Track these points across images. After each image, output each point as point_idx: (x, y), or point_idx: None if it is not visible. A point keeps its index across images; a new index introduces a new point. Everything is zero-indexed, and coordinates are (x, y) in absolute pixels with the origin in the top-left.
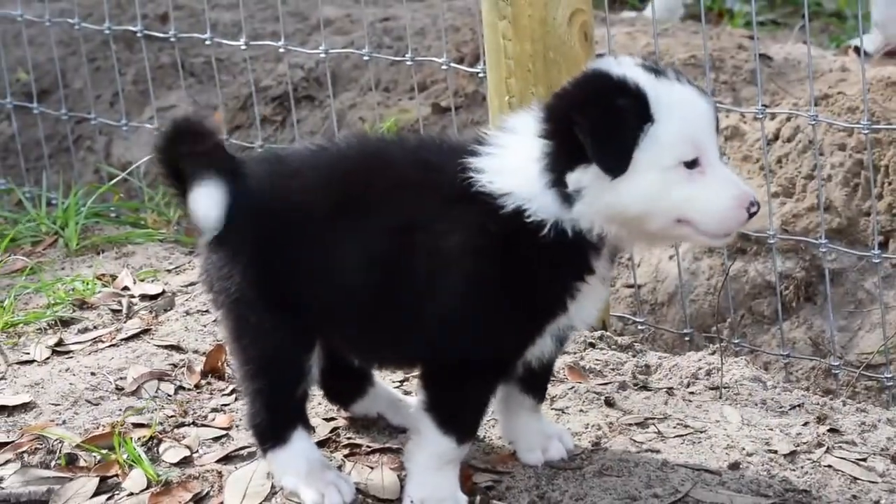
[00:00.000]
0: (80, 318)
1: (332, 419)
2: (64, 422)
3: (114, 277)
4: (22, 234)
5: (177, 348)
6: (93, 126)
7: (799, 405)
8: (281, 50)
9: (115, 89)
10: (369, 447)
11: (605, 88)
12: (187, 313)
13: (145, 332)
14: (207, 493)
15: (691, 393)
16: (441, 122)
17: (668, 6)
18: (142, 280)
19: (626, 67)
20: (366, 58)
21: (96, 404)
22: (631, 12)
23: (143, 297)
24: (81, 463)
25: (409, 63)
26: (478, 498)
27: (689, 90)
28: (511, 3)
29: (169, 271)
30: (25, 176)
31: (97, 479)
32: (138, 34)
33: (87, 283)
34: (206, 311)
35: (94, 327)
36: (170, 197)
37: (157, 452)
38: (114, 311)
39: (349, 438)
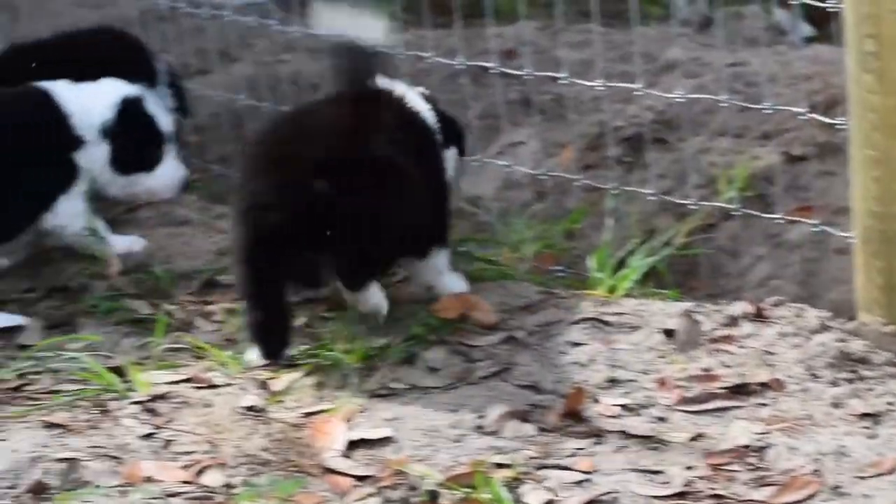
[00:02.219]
0: (433, 355)
1: None
2: (424, 458)
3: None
4: None
5: (536, 388)
6: None
7: None
8: (637, 93)
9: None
10: None
11: None
12: (546, 354)
13: (504, 370)
14: None
15: None
16: (792, 170)
17: None
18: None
19: None
20: (723, 104)
21: (457, 442)
22: None
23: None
24: (444, 501)
25: (767, 111)
26: None
27: None
28: (878, 56)
29: (524, 309)
30: None
31: None
32: (491, 70)
33: (442, 319)
34: (564, 352)
35: (450, 364)
36: (524, 233)
37: (519, 494)
38: (469, 347)
39: None
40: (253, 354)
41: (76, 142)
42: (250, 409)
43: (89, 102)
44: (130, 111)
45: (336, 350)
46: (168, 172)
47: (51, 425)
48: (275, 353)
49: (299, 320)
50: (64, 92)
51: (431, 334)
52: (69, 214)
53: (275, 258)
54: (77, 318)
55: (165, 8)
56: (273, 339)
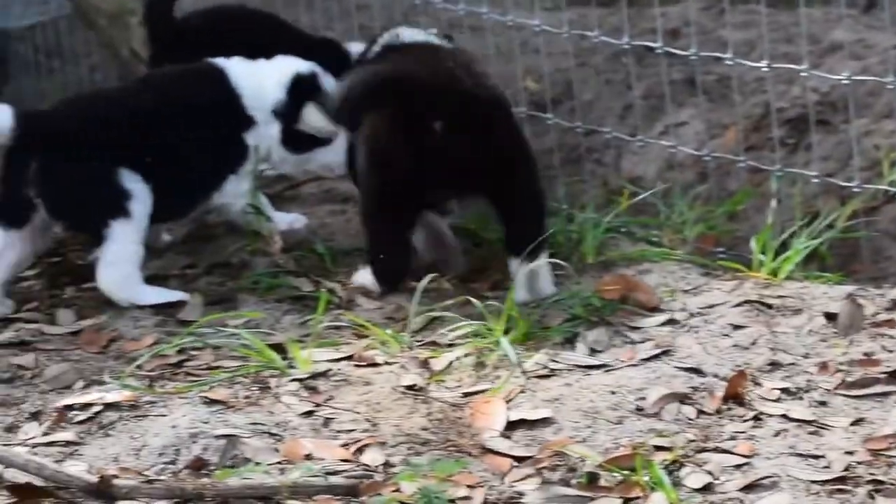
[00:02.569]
0: (595, 336)
1: None
2: (584, 440)
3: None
4: None
5: (697, 371)
6: (603, 139)
7: None
8: (803, 74)
9: (625, 103)
10: None
11: None
12: (707, 336)
13: (665, 353)
14: None
15: None
16: None
17: None
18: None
19: None
20: (888, 86)
21: (617, 423)
22: None
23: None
24: (602, 483)
25: None
26: None
27: None
28: None
29: (686, 291)
30: None
31: (620, 501)
32: (656, 51)
33: (604, 300)
34: (726, 334)
35: (611, 345)
36: (686, 215)
37: (679, 477)
38: (631, 328)
39: None
40: (366, 277)
41: (248, 122)
42: (410, 387)
43: (262, 81)
44: (304, 88)
45: (497, 329)
46: (342, 147)
47: (211, 401)
48: (391, 283)
49: (461, 301)
50: (237, 70)
51: (593, 315)
52: (236, 193)
53: (400, 201)
54: (238, 294)
55: None
56: (393, 270)
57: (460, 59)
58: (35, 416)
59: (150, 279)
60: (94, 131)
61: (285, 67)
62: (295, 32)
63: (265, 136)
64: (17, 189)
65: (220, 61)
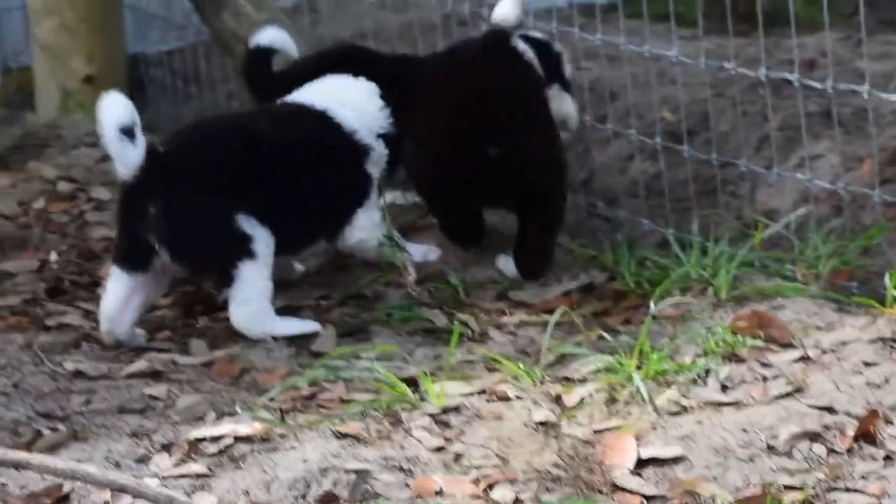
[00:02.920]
0: (727, 372)
1: None
2: (715, 478)
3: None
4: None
5: (828, 409)
6: (738, 171)
7: None
8: None
9: (761, 134)
10: None
11: None
12: (839, 373)
13: (797, 390)
14: None
15: None
16: None
17: None
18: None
19: None
20: None
21: (748, 462)
22: None
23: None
24: None
25: None
26: None
27: None
28: None
29: (819, 328)
30: (670, 218)
31: None
32: (793, 82)
33: (736, 336)
34: (859, 372)
35: (743, 382)
36: (820, 249)
37: None
38: (763, 364)
39: None
40: (508, 265)
41: (364, 150)
42: (542, 423)
43: (363, 109)
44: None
45: (629, 365)
46: None
47: (342, 435)
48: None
49: (593, 336)
50: (336, 104)
51: (726, 351)
52: (368, 226)
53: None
54: (371, 326)
55: (467, 13)
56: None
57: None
58: (166, 447)
59: (284, 310)
60: (215, 172)
61: (373, 90)
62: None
63: (378, 162)
64: (138, 233)
65: (316, 99)
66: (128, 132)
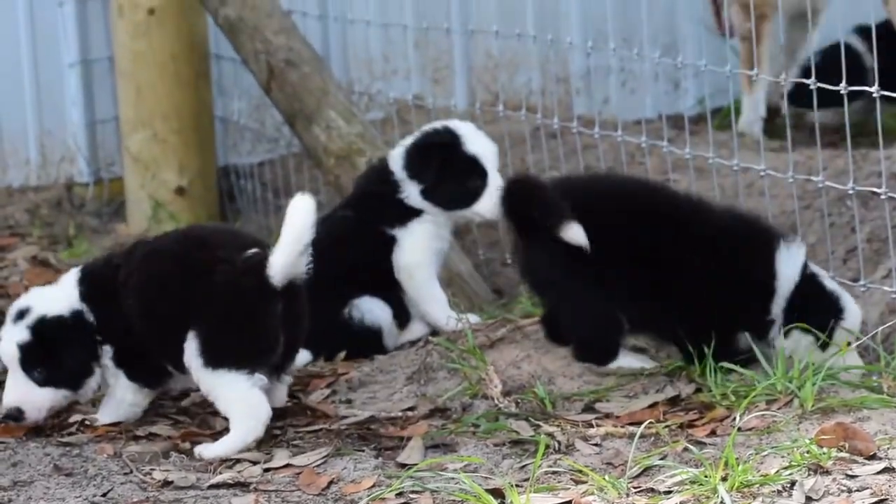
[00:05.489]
0: (812, 484)
1: None
2: None
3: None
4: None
5: None
6: None
7: None
8: None
9: (848, 246)
10: None
11: None
12: None
13: (881, 501)
14: None
15: None
16: None
17: None
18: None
19: None
20: None
21: None
22: None
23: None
24: None
25: None
26: None
27: None
28: None
29: None
30: None
31: None
32: (881, 195)
33: (822, 448)
34: None
35: (828, 493)
36: None
37: None
38: (848, 476)
39: None
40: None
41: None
42: None
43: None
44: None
45: (714, 477)
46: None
47: None
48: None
49: (678, 448)
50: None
51: (811, 462)
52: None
53: None
54: (458, 437)
55: (558, 127)
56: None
57: None
58: None
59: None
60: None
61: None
62: None
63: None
64: (278, 334)
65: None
66: None
